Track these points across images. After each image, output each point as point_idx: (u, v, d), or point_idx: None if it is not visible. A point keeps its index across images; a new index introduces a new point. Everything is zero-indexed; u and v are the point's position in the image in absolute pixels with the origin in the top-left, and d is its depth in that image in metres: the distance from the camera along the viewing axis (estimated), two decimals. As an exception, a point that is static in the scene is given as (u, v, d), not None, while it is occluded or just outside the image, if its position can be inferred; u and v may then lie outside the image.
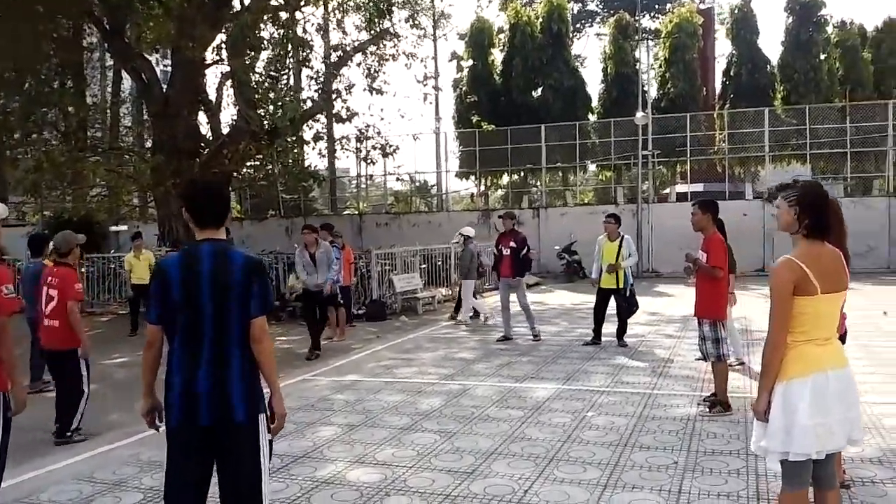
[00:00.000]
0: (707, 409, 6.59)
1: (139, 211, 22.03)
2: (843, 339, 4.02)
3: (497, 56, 30.08)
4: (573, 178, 28.53)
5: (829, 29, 26.76)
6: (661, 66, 28.35)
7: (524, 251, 11.02)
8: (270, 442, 3.30)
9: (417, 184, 32.96)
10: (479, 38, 29.57)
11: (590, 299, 11.12)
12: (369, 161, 20.37)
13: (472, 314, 13.39)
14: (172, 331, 3.19)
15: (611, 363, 9.12)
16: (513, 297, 11.02)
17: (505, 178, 29.20)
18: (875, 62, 26.16)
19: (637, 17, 29.73)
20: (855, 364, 5.01)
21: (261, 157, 19.25)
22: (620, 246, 10.03)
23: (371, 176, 30.49)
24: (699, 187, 26.90)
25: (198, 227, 3.27)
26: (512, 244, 11.01)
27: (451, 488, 4.83)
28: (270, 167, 20.65)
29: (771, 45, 76.79)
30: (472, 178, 29.28)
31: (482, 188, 29.96)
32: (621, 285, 10.07)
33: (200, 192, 3.35)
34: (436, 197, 31.87)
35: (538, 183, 27.80)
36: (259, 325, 3.20)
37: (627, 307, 10.24)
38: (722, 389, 6.63)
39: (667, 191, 29.63)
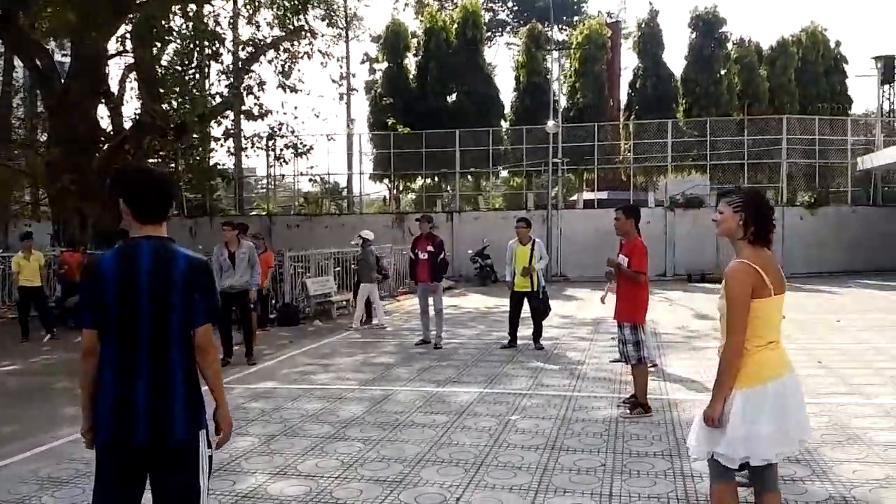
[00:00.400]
0: (628, 411, 6.67)
1: (31, 208, 20.68)
2: None
3: (412, 60, 29.99)
4: (485, 184, 28.77)
5: (730, 45, 27.98)
6: (570, 77, 28.94)
7: (441, 255, 10.95)
8: (210, 457, 3.06)
9: (329, 185, 32.47)
10: (394, 40, 29.38)
11: (504, 303, 11.17)
12: (282, 160, 19.88)
13: (369, 320, 13.23)
14: (106, 336, 2.90)
15: (529, 366, 9.16)
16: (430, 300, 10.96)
17: (418, 182, 29.12)
18: (770, 79, 27.54)
19: (548, 27, 30.27)
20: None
21: (164, 153, 18.47)
22: (532, 249, 10.16)
23: (283, 176, 29.83)
24: (604, 195, 27.64)
25: (137, 222, 2.96)
26: (429, 248, 10.89)
27: (381, 499, 4.66)
28: (174, 164, 19.84)
29: (675, 59, 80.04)
30: (386, 180, 29.06)
31: (395, 191, 29.79)
32: (535, 288, 10.20)
33: (145, 180, 3.03)
34: (347, 199, 31.48)
35: (450, 187, 27.89)
36: (204, 334, 2.96)
37: (543, 309, 10.39)
38: (642, 392, 6.74)
39: (574, 197, 30.30)
